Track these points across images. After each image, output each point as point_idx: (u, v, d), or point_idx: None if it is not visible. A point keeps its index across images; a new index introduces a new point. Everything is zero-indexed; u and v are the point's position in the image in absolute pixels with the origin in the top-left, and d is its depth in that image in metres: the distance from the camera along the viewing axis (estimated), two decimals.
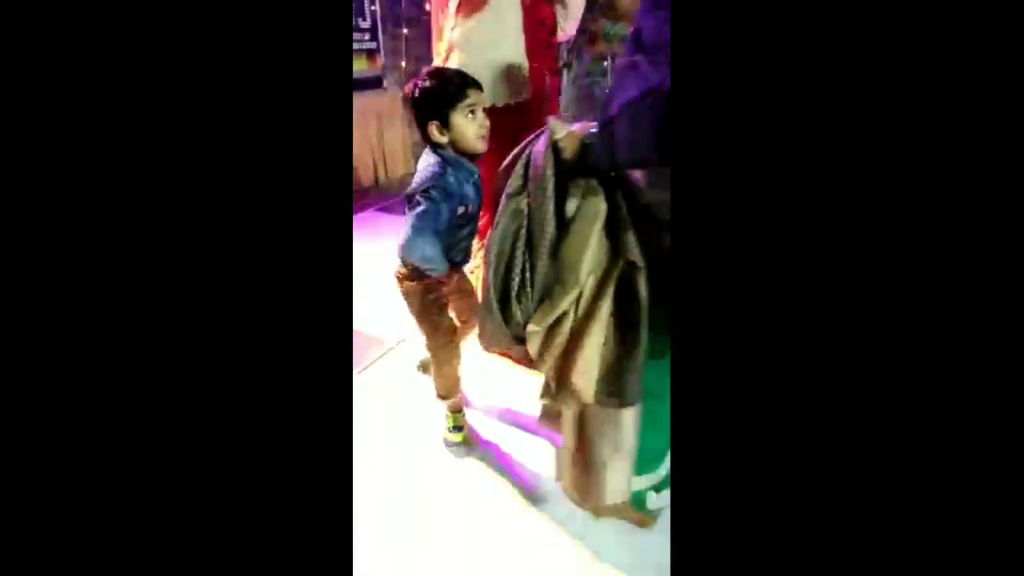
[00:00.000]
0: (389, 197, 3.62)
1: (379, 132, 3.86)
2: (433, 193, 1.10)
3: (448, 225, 1.14)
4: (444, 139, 1.14)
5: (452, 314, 1.33)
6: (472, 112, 1.13)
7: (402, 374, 1.67)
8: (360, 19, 3.78)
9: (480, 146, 1.16)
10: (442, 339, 1.29)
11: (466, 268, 1.32)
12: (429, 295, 1.24)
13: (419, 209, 1.11)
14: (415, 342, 1.80)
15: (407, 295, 1.25)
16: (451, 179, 1.12)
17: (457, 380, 1.35)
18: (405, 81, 4.16)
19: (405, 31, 4.11)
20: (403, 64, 4.13)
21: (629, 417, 0.93)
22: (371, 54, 3.91)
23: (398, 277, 1.25)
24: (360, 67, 3.84)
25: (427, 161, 1.16)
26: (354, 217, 3.11)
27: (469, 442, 1.38)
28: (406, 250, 1.13)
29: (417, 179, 1.15)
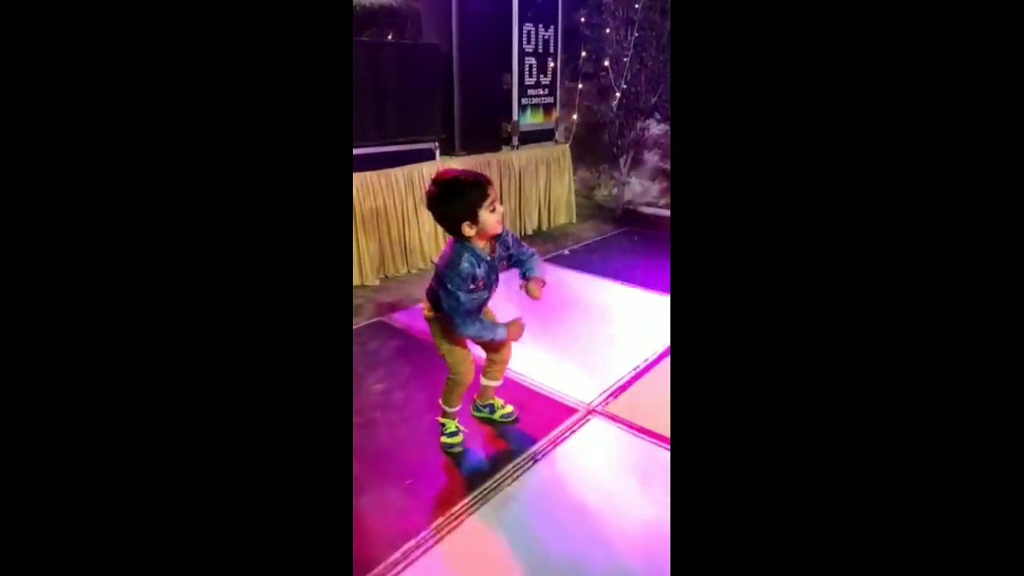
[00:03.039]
0: (553, 245, 3.77)
1: (547, 182, 4.06)
2: (450, 287, 1.40)
3: (468, 300, 1.44)
4: (472, 232, 1.39)
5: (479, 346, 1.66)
6: (494, 208, 1.39)
7: (591, 443, 1.74)
8: (542, 76, 4.02)
9: (499, 229, 1.44)
10: (463, 364, 1.59)
11: None
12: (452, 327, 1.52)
13: (450, 306, 1.42)
14: (605, 412, 1.87)
15: (433, 324, 1.55)
16: (465, 264, 1.40)
17: (461, 398, 1.67)
18: (574, 133, 4.35)
19: (580, 86, 4.30)
20: (574, 117, 4.32)
21: None
22: (547, 108, 4.14)
23: (425, 314, 1.56)
24: (536, 120, 4.07)
25: (449, 247, 1.45)
26: None
27: (463, 444, 1.69)
28: (460, 332, 1.46)
29: (441, 262, 1.45)
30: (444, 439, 1.68)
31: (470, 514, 1.44)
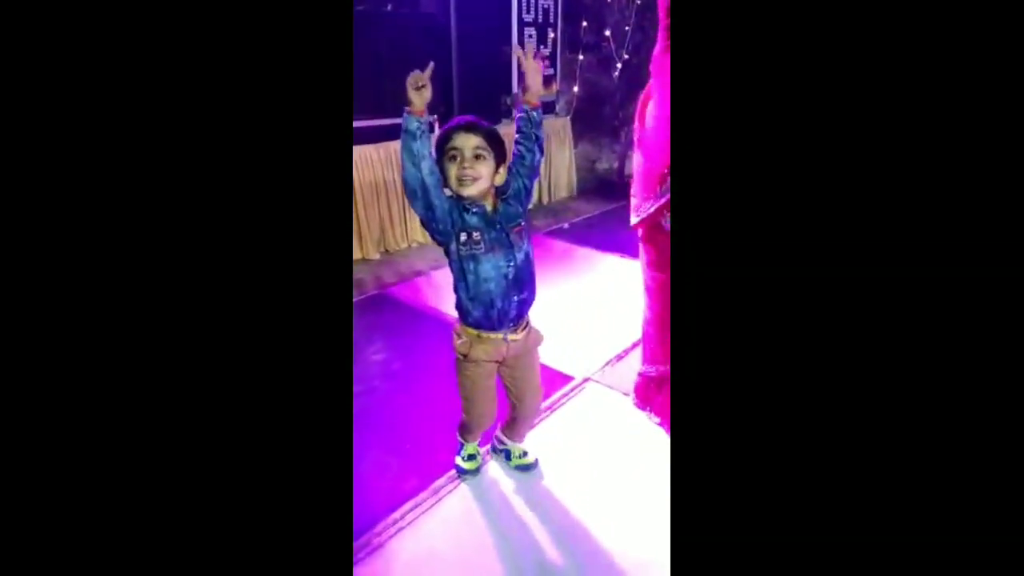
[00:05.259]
0: (553, 219, 3.77)
1: (547, 155, 4.03)
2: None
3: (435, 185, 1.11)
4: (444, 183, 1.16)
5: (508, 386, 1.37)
6: (454, 156, 1.13)
7: (588, 410, 1.77)
8: (542, 46, 3.96)
9: (460, 189, 1.14)
10: (476, 408, 1.35)
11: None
12: (483, 367, 1.29)
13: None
14: (602, 381, 1.91)
15: (459, 363, 1.31)
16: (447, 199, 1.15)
17: (478, 436, 1.48)
18: (575, 105, 4.30)
19: (581, 57, 4.24)
20: (575, 89, 4.27)
21: None
22: (547, 80, 4.09)
23: (454, 343, 1.29)
24: None
25: None
26: None
27: (478, 471, 1.51)
28: (403, 157, 1.11)
29: None
30: (459, 460, 1.50)
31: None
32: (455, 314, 1.28)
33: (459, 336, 1.27)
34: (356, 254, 2.99)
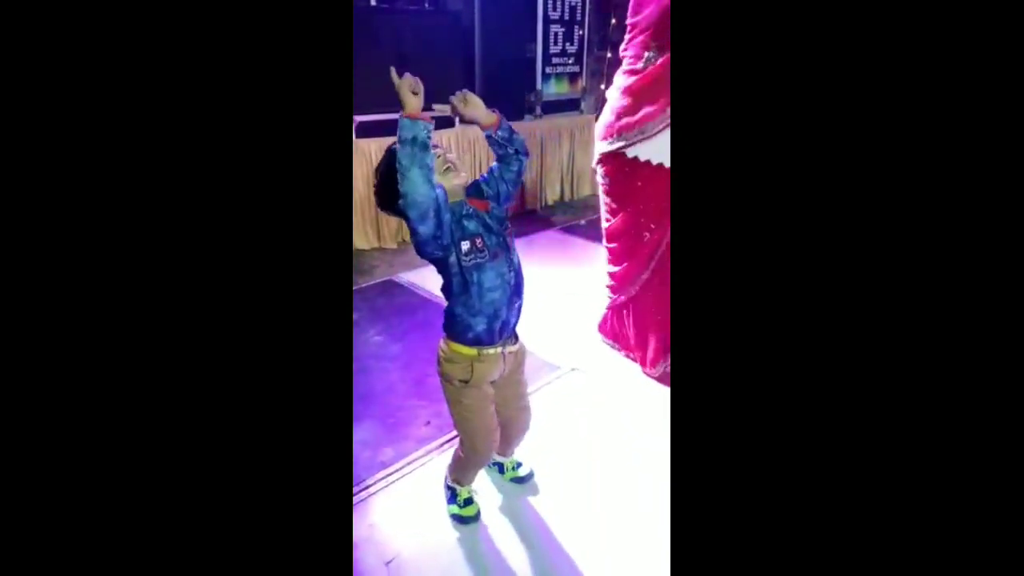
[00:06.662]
0: (573, 215, 3.80)
1: (570, 152, 4.07)
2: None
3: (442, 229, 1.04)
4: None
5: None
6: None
7: (571, 398, 1.82)
8: (568, 44, 3.99)
9: (454, 178, 1.11)
10: (480, 438, 1.23)
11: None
12: (484, 390, 1.19)
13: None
14: (586, 372, 1.95)
15: (446, 386, 1.21)
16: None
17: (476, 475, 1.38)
18: (601, 103, 4.31)
19: (609, 55, 4.24)
20: (602, 87, 4.28)
21: None
22: (573, 77, 4.12)
23: (441, 372, 1.20)
24: (561, 90, 4.07)
25: None
26: (539, 235, 3.34)
27: (478, 515, 1.38)
28: (403, 167, 0.99)
29: None
30: (455, 509, 1.37)
31: (441, 452, 1.56)
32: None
33: (453, 361, 1.16)
34: (374, 243, 3.13)
